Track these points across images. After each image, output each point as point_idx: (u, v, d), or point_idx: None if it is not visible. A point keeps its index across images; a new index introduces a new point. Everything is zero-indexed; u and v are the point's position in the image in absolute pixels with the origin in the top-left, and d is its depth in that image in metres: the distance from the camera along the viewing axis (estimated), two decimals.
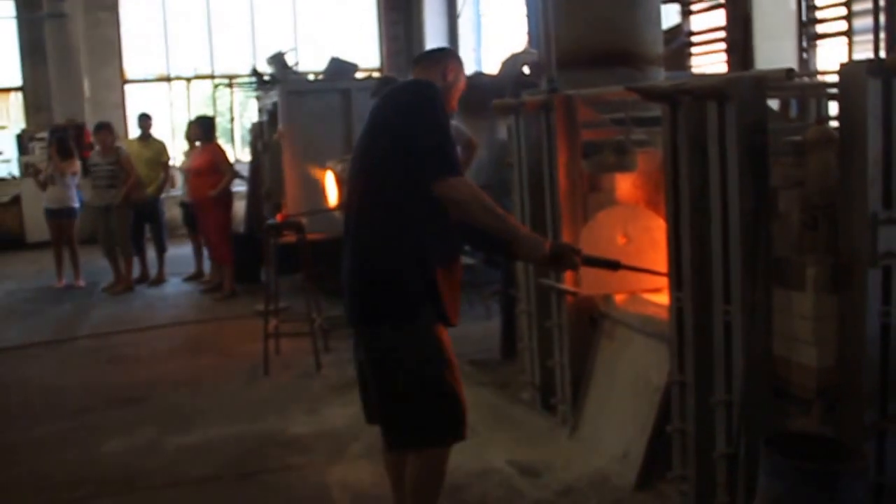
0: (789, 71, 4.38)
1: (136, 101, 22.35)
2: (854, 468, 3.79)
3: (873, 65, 3.98)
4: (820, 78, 6.91)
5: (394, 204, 4.44)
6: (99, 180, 13.86)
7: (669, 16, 16.21)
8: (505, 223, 4.50)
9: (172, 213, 16.05)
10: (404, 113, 4.51)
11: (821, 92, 6.03)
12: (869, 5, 11.73)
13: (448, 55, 4.98)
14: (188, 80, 23.59)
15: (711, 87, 4.58)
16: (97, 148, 14.12)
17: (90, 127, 19.64)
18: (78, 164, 14.63)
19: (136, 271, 14.37)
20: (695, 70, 15.54)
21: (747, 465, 4.48)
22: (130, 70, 23.05)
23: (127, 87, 22.96)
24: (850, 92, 4.05)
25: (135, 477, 6.44)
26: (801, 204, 4.43)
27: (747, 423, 4.52)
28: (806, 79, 7.07)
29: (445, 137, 4.41)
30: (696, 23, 16.00)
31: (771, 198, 4.53)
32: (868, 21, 11.77)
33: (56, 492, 6.25)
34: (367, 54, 23.99)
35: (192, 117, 15.69)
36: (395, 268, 4.45)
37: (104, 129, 14.08)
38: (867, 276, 4.06)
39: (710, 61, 15.28)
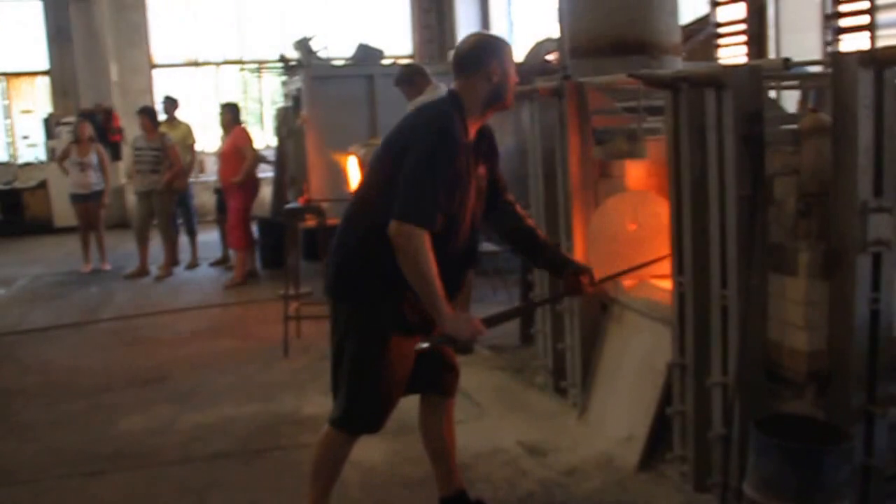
0: (786, 60, 4.46)
1: (165, 85, 22.15)
2: (838, 448, 3.87)
3: (865, 56, 4.04)
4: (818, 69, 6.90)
5: (374, 208, 4.41)
6: (142, 165, 13.89)
7: (699, 7, 16.32)
8: (431, 294, 4.27)
9: (203, 198, 16.07)
10: (412, 137, 4.38)
11: (824, 82, 6.07)
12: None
13: (487, 55, 4.48)
14: (217, 65, 23.55)
15: (709, 75, 4.67)
16: (141, 132, 14.11)
17: (118, 111, 19.85)
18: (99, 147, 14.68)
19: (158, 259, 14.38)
20: (721, 61, 15.57)
21: (741, 446, 4.56)
22: (158, 54, 22.99)
23: (155, 72, 22.91)
24: (843, 82, 4.11)
25: (149, 453, 6.55)
26: (797, 191, 4.50)
27: (741, 405, 4.61)
28: (807, 69, 7.06)
29: (430, 183, 4.23)
30: (723, 14, 16.05)
31: (767, 185, 4.59)
32: (892, 15, 11.78)
33: (71, 466, 6.36)
34: (400, 42, 24.03)
35: (222, 103, 15.77)
36: (362, 256, 4.48)
37: (142, 112, 14.11)
38: (857, 262, 4.13)
39: (735, 53, 15.32)
